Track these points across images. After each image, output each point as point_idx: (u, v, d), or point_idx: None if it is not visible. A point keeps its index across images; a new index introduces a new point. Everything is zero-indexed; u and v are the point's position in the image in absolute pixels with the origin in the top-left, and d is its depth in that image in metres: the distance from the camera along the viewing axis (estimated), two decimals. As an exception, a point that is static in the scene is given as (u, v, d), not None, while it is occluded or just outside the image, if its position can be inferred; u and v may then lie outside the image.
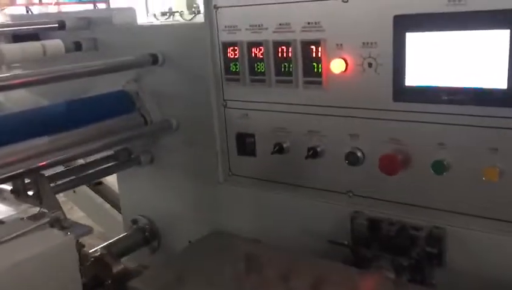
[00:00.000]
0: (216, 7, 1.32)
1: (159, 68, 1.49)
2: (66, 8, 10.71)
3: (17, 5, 10.26)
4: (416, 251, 1.10)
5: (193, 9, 9.32)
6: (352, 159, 1.18)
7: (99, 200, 2.28)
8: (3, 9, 9.44)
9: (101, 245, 1.57)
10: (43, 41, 1.52)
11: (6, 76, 1.25)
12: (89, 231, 1.08)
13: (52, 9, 10.50)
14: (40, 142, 1.34)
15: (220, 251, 1.25)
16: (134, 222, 1.76)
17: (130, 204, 1.79)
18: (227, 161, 1.45)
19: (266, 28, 1.25)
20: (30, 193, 1.35)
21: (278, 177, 1.35)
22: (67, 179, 1.50)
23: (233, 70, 1.33)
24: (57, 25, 1.62)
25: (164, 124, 1.55)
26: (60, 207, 1.33)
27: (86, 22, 1.64)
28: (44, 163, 1.32)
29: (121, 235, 1.73)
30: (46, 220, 1.07)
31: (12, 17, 1.91)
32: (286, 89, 1.25)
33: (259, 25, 1.26)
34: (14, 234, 1.01)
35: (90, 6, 10.43)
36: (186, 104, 1.49)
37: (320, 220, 1.28)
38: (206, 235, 1.34)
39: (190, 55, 1.43)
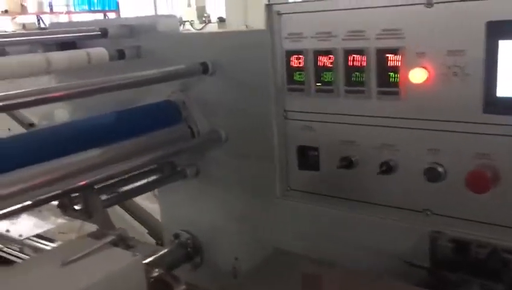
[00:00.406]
0: (279, 14, 1.26)
1: (208, 77, 1.42)
2: (76, 17, 10.74)
3: (29, 13, 10.26)
4: (509, 276, 1.02)
5: (203, 19, 9.31)
6: (432, 175, 1.10)
7: (120, 210, 2.22)
8: (15, 18, 9.45)
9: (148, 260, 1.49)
10: (87, 50, 1.46)
11: (49, 88, 1.16)
12: (155, 250, 1.00)
13: (63, 18, 10.51)
14: (89, 155, 1.27)
15: (288, 273, 1.18)
16: (176, 236, 1.68)
17: (172, 218, 1.71)
18: (285, 175, 1.37)
19: (335, 36, 1.18)
20: (77, 207, 1.28)
21: (343, 193, 1.28)
22: (115, 194, 1.42)
23: (297, 79, 1.26)
24: (99, 33, 1.57)
25: (213, 135, 1.47)
26: (112, 224, 1.26)
27: (129, 29, 1.59)
28: (94, 178, 1.25)
29: (163, 251, 1.64)
30: (110, 238, 0.99)
31: (53, 25, 1.86)
32: (356, 99, 1.18)
33: (327, 33, 1.19)
34: (79, 255, 0.93)
35: (100, 16, 10.46)
36: (237, 114, 1.41)
37: (391, 240, 1.20)
38: (270, 255, 1.26)
39: (245, 64, 1.36)
